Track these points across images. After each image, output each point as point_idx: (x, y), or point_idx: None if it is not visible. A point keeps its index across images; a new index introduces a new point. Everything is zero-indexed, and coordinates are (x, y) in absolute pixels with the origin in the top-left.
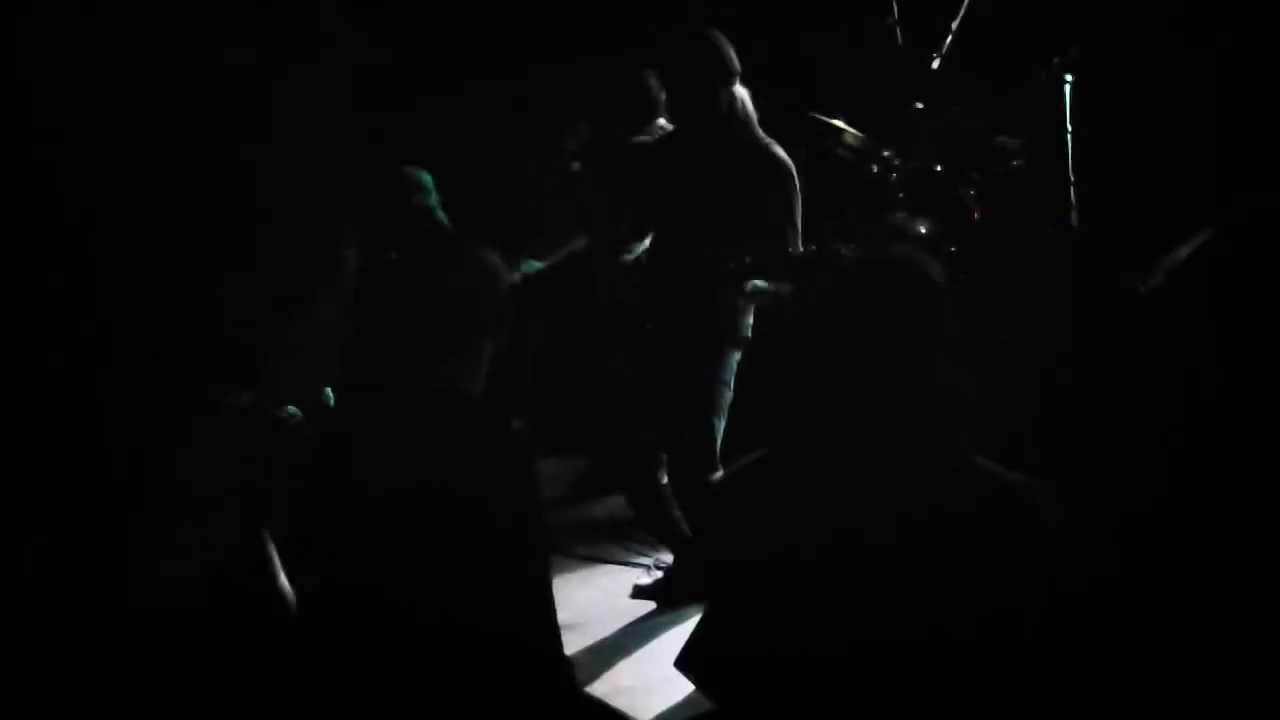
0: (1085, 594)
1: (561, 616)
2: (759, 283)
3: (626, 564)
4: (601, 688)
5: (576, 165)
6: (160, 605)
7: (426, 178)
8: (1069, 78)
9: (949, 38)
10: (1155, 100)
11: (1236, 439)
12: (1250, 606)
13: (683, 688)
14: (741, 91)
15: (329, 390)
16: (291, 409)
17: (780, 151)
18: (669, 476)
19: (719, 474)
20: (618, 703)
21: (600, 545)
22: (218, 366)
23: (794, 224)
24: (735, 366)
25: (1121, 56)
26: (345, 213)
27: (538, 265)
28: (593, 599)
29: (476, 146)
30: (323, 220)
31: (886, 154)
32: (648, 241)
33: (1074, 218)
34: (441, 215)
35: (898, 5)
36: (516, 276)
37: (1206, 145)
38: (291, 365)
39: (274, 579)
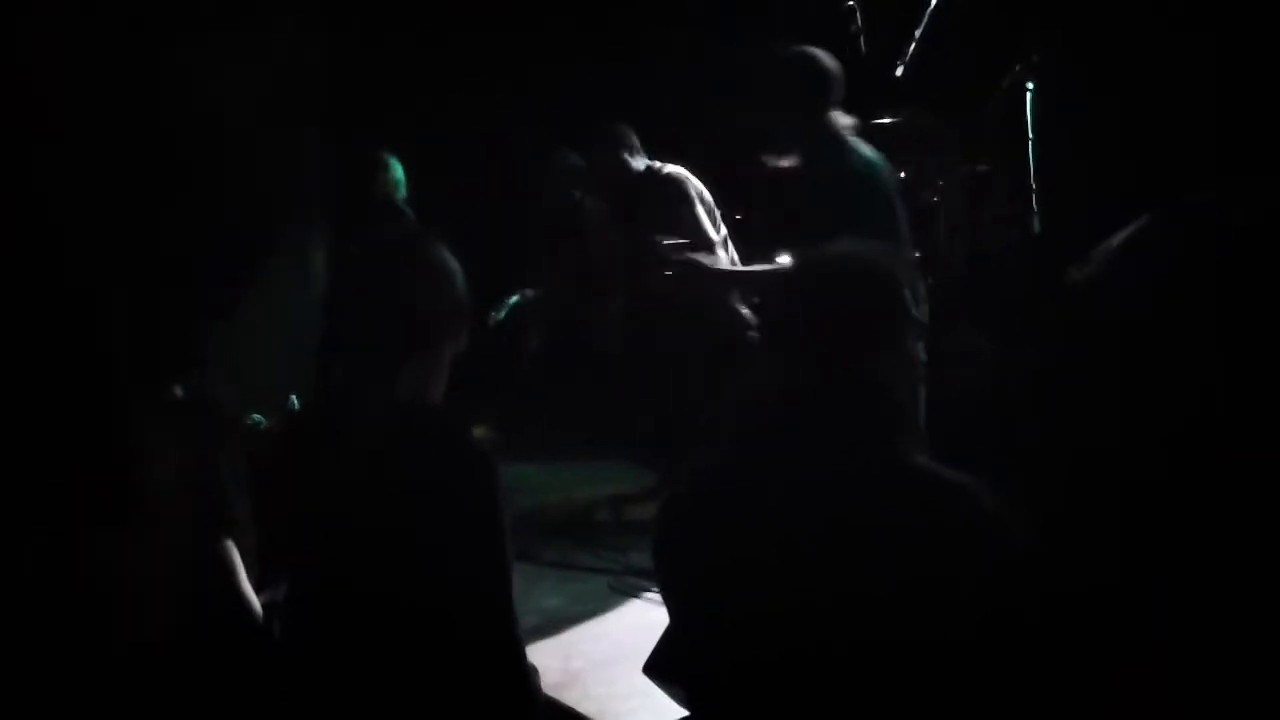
0: (1044, 590)
1: (530, 622)
2: None
3: (595, 570)
4: (569, 694)
5: (578, 194)
6: (118, 611)
7: (397, 167)
8: (1030, 85)
9: (912, 45)
10: (1119, 104)
11: (1226, 435)
12: (1250, 606)
13: (651, 693)
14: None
15: (294, 397)
16: (257, 416)
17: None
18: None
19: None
20: (586, 709)
21: (568, 551)
22: (159, 361)
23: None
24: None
25: (1084, 62)
26: (304, 211)
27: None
28: (560, 605)
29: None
30: (271, 220)
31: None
32: None
33: (1035, 223)
34: (407, 209)
35: (861, 13)
36: (511, 301)
37: (1172, 149)
38: (255, 369)
39: (238, 588)
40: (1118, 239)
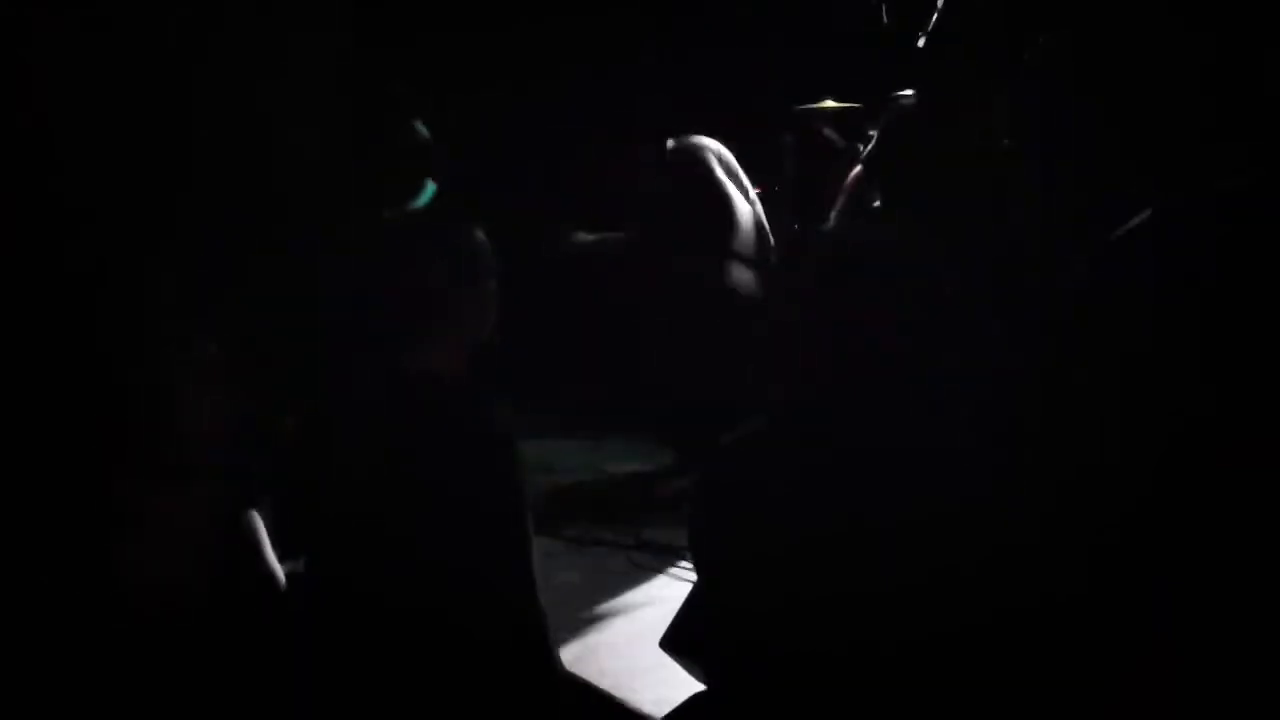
0: (1046, 589)
1: (548, 598)
2: None
3: (610, 544)
4: (586, 669)
5: None
6: (147, 589)
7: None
8: (1050, 63)
9: (935, 15)
10: (1138, 88)
11: (1229, 437)
12: (1251, 606)
13: (669, 668)
14: None
15: (323, 376)
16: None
17: None
18: None
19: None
20: (603, 684)
21: (586, 526)
22: (193, 315)
23: None
24: None
25: (1104, 43)
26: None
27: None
28: (578, 579)
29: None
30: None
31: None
32: None
33: (1064, 203)
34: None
35: None
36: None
37: (1189, 134)
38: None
39: (265, 561)
40: (1106, 244)
